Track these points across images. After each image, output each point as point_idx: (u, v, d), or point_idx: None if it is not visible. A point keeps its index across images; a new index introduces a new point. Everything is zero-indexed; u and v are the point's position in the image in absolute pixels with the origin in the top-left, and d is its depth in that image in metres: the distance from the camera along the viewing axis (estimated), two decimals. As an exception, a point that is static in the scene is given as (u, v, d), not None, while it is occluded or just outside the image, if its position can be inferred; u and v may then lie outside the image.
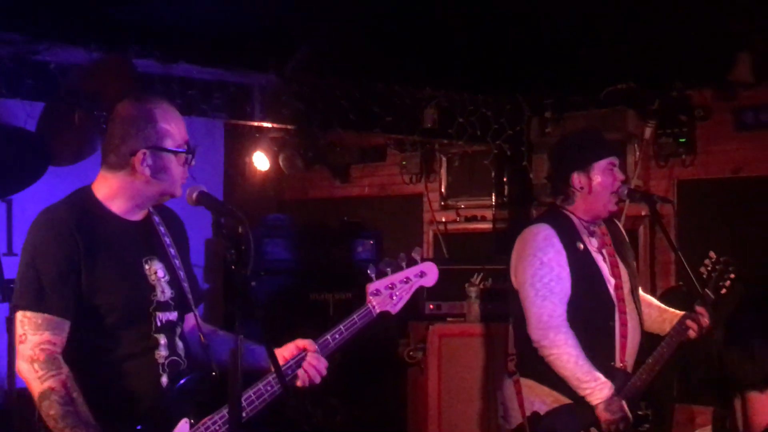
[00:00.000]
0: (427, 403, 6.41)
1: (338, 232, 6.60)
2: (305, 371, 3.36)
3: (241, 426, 2.94)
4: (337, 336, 3.43)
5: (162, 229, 3.38)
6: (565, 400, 4.33)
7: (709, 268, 4.53)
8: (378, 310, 3.49)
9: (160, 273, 3.30)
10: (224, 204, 3.25)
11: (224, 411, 3.16)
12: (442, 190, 8.49)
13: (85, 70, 5.22)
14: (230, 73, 6.36)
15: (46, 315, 3.08)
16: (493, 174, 7.92)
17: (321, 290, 6.22)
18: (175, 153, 3.27)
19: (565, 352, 4.23)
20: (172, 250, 3.37)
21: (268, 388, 3.28)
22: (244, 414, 3.12)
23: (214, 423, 3.18)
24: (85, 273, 3.12)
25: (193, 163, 3.36)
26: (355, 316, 3.45)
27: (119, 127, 3.24)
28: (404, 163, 8.62)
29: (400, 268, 3.55)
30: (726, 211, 6.80)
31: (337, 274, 6.44)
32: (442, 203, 8.49)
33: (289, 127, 7.11)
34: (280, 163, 8.40)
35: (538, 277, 4.28)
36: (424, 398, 6.43)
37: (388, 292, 3.51)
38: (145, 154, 3.20)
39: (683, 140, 6.94)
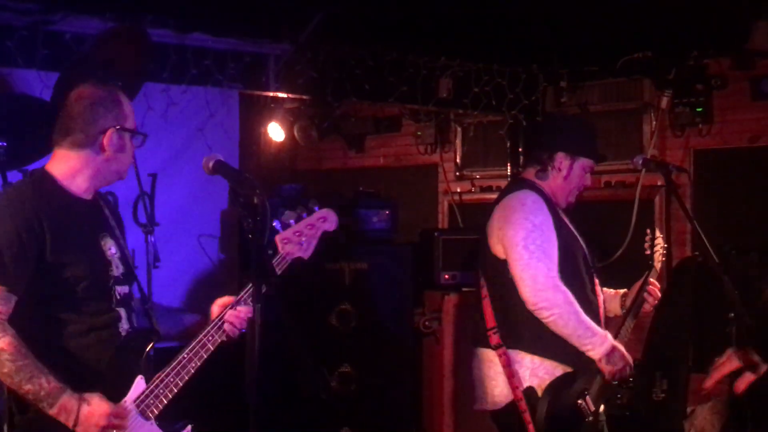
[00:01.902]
0: (442, 373, 6.43)
1: (353, 203, 6.58)
2: (229, 323, 3.51)
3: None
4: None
5: (105, 208, 3.60)
6: (556, 369, 4.31)
7: (648, 244, 4.78)
8: (291, 257, 3.66)
9: (113, 250, 3.53)
10: (241, 173, 3.30)
11: (172, 365, 3.43)
12: (457, 160, 8.49)
13: (99, 40, 5.20)
14: (245, 42, 6.34)
15: None
16: (508, 144, 7.90)
17: (336, 260, 6.22)
18: (136, 134, 3.52)
19: (565, 311, 4.21)
20: (117, 232, 3.60)
21: (209, 338, 3.50)
22: (198, 360, 3.46)
23: (167, 375, 3.42)
24: (50, 248, 3.29)
25: (142, 145, 3.59)
26: (272, 265, 3.62)
27: (87, 107, 3.44)
28: (419, 133, 8.61)
29: (302, 218, 3.71)
30: (743, 181, 6.78)
31: (352, 244, 6.43)
32: (457, 173, 8.49)
33: (303, 97, 7.09)
34: (295, 134, 8.38)
35: (531, 239, 4.27)
36: (440, 368, 6.45)
37: (298, 239, 3.67)
38: (113, 133, 3.43)
39: (700, 109, 6.90)
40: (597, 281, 4.57)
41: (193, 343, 3.48)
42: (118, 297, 3.49)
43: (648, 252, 4.79)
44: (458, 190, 8.46)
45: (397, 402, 6.48)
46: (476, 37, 6.78)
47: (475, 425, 6.09)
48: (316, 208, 3.76)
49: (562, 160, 4.46)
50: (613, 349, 4.29)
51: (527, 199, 4.38)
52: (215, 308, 3.57)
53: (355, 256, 6.32)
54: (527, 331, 4.30)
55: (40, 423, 3.24)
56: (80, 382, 3.31)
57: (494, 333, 4.41)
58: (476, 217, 8.12)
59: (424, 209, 8.58)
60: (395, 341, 6.47)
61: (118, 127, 3.43)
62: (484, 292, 4.51)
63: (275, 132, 8.21)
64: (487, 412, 4.53)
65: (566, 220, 4.53)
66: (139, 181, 5.40)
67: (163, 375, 3.42)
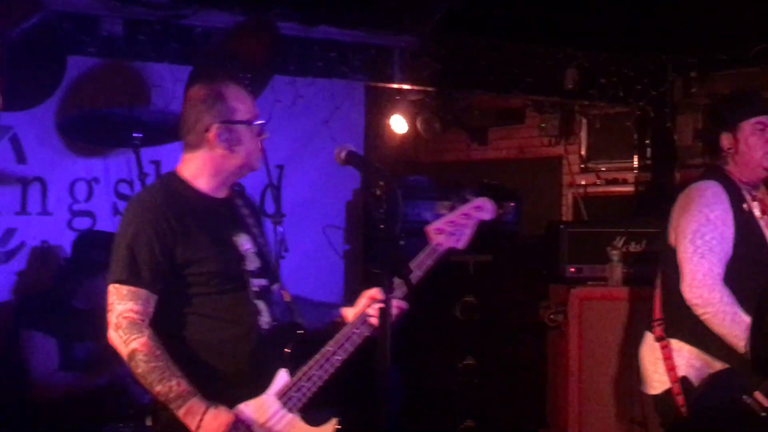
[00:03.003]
0: (567, 367, 6.34)
1: (477, 195, 6.53)
2: (375, 316, 3.44)
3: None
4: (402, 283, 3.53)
5: (242, 206, 3.60)
6: (715, 363, 4.22)
7: None
8: (445, 247, 3.62)
9: (247, 245, 3.51)
10: (373, 163, 3.29)
11: (316, 358, 3.40)
12: (582, 152, 8.36)
13: (229, 33, 5.29)
14: (370, 34, 6.37)
15: (131, 287, 3.29)
16: (635, 136, 7.75)
17: (461, 252, 6.18)
18: (246, 124, 3.45)
19: (720, 310, 4.09)
20: (255, 229, 3.58)
21: (355, 330, 3.47)
22: (343, 353, 3.42)
23: (310, 368, 3.39)
24: (182, 248, 3.34)
25: (266, 135, 3.55)
26: (422, 256, 3.59)
27: (192, 108, 3.46)
28: (543, 125, 8.52)
29: (455, 208, 3.67)
30: None
31: (477, 236, 6.38)
32: (582, 166, 8.37)
33: (428, 89, 7.08)
34: (418, 126, 8.38)
35: (701, 233, 4.15)
36: (565, 362, 6.36)
37: (450, 229, 3.63)
38: (218, 128, 3.40)
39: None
40: None
41: (339, 336, 3.45)
42: (256, 290, 3.48)
43: None
44: (583, 182, 8.34)
45: (521, 396, 6.43)
46: (602, 27, 6.67)
47: (601, 421, 6.01)
48: (470, 197, 3.72)
49: (725, 138, 4.31)
50: None
51: (707, 190, 4.25)
52: (363, 300, 3.54)
53: (479, 248, 6.28)
54: (688, 322, 4.23)
55: (179, 422, 3.26)
56: (222, 376, 3.35)
57: (659, 325, 4.39)
58: (601, 211, 8.04)
59: (547, 202, 8.49)
60: (519, 334, 6.42)
61: (222, 121, 3.42)
62: (657, 281, 4.47)
63: (398, 124, 8.22)
64: (646, 396, 4.53)
65: (756, 211, 4.36)
66: (268, 171, 5.45)
67: (306, 368, 3.39)
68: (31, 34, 4.64)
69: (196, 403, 3.22)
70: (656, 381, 4.38)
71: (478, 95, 7.79)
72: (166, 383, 3.21)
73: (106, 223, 5.71)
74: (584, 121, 8.30)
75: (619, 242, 6.39)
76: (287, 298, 3.60)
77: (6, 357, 4.94)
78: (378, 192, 3.12)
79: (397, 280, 3.29)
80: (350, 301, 3.65)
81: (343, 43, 6.29)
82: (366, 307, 3.50)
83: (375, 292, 3.50)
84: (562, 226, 6.72)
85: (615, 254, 6.32)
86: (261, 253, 3.55)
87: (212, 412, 3.21)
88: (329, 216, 6.61)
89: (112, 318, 3.29)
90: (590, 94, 7.26)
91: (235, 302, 3.42)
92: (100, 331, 4.93)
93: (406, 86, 6.86)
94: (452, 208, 3.67)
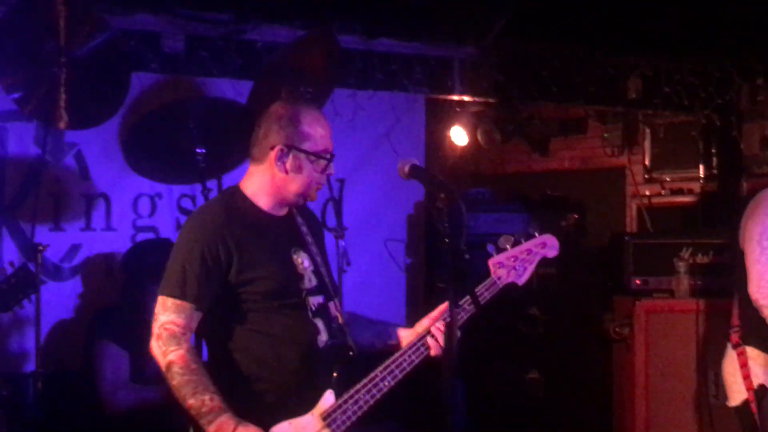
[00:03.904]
0: (633, 381, 6.24)
1: (540, 206, 6.49)
2: (434, 338, 3.47)
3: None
4: (466, 307, 3.49)
5: (302, 224, 3.59)
6: None
7: None
8: (504, 282, 3.62)
9: (306, 263, 3.51)
10: (437, 177, 3.27)
11: (364, 382, 3.36)
12: (646, 162, 8.27)
13: (290, 47, 5.29)
14: (430, 46, 6.34)
15: (176, 300, 3.31)
16: (700, 145, 7.63)
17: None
18: (309, 155, 3.43)
19: None
20: (313, 247, 3.57)
21: (406, 357, 3.44)
22: (391, 379, 3.38)
23: (357, 392, 3.35)
24: (239, 265, 3.34)
25: (332, 171, 3.52)
26: (482, 289, 3.58)
27: (266, 122, 3.46)
28: (606, 135, 8.43)
29: (519, 243, 3.68)
30: None
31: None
32: (646, 176, 8.28)
33: (489, 100, 7.03)
34: (478, 137, 8.34)
35: (767, 235, 4.13)
36: (631, 375, 6.27)
37: (512, 264, 3.64)
38: (282, 150, 3.40)
39: None
40: None
41: (389, 361, 3.43)
42: (313, 308, 3.47)
43: None
44: (647, 193, 8.23)
45: (586, 410, 6.34)
46: (666, 34, 6.57)
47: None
48: (536, 233, 3.72)
49: None
50: None
51: None
52: (425, 321, 3.53)
53: (542, 260, 6.22)
54: (763, 329, 4.17)
55: None
56: (272, 393, 3.35)
57: (735, 332, 4.40)
58: (666, 221, 7.93)
59: (611, 213, 8.39)
60: (584, 348, 6.34)
61: (287, 144, 3.40)
62: (734, 289, 4.49)
63: (458, 135, 8.19)
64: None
65: None
66: (330, 185, 5.45)
67: (353, 391, 3.36)
68: (97, 53, 4.68)
69: (225, 420, 3.19)
70: (736, 392, 4.36)
71: (540, 106, 7.71)
72: (199, 397, 3.21)
73: (169, 239, 5.74)
74: (648, 130, 8.20)
75: (686, 253, 6.29)
76: (341, 319, 3.57)
77: (79, 370, 5.00)
78: (441, 205, 3.10)
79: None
80: (412, 316, 3.63)
81: (403, 56, 6.27)
82: (423, 333, 3.49)
83: (437, 313, 3.50)
84: (626, 238, 6.64)
85: (682, 266, 6.22)
86: (318, 271, 3.54)
87: (241, 430, 3.20)
88: (390, 229, 6.59)
89: (155, 328, 3.32)
90: (654, 103, 7.16)
91: (294, 321, 3.42)
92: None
93: (466, 98, 6.81)
94: (516, 243, 3.67)
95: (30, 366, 5.15)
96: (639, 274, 6.43)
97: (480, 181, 9.06)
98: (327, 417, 3.33)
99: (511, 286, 3.63)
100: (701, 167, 7.69)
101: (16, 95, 4.60)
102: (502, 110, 8.00)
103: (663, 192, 8.13)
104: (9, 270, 4.66)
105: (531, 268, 3.67)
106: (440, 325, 3.47)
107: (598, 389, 6.46)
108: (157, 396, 4.81)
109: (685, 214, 7.87)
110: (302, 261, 3.50)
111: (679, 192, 7.93)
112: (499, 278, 3.60)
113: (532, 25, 6.28)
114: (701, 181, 7.73)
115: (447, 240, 3.07)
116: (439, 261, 6.14)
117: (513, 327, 6.17)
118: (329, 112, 5.85)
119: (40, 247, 4.74)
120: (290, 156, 3.40)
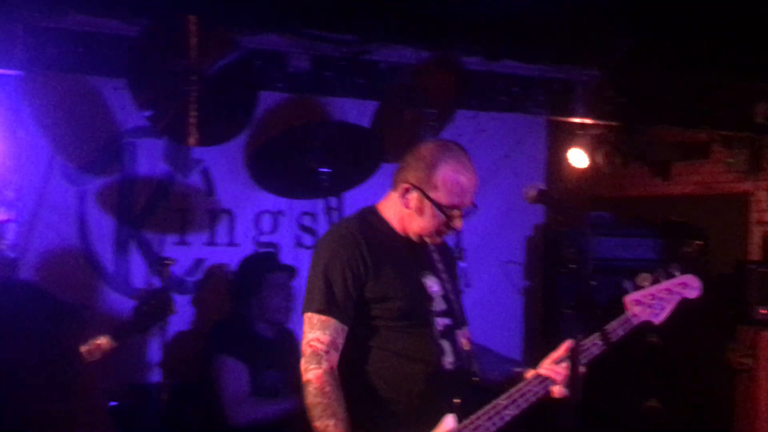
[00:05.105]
0: (756, 413, 6.09)
1: (662, 232, 6.38)
2: (548, 377, 3.45)
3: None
4: (598, 342, 3.52)
5: (434, 251, 3.59)
6: None
7: None
8: (640, 320, 3.59)
9: (436, 288, 3.53)
10: (565, 202, 3.26)
11: (486, 409, 3.33)
12: (773, 188, 8.05)
13: (415, 69, 5.33)
14: (553, 69, 6.31)
15: (321, 317, 3.34)
16: (830, 172, 7.42)
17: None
18: (437, 206, 3.42)
19: None
20: (444, 275, 3.58)
21: (531, 388, 3.41)
22: (514, 408, 3.34)
23: (479, 418, 3.33)
24: (373, 282, 3.37)
25: (458, 226, 3.49)
26: (615, 325, 3.56)
27: (411, 156, 3.48)
28: (731, 160, 8.22)
29: (658, 281, 3.62)
30: None
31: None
32: (772, 203, 8.05)
33: (611, 123, 6.95)
34: (598, 160, 8.23)
35: None
36: (754, 407, 6.11)
37: (649, 302, 3.59)
38: (407, 189, 3.44)
39: None
40: None
41: (513, 391, 3.41)
42: (440, 329, 3.48)
43: None
44: (773, 220, 8.02)
45: (706, 441, 6.20)
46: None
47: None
48: (676, 272, 3.67)
49: None
50: None
51: None
52: (546, 361, 3.50)
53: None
54: None
55: None
56: (395, 411, 3.37)
57: None
58: (793, 249, 7.70)
59: (734, 240, 8.18)
60: (705, 377, 6.20)
61: (416, 187, 3.41)
62: None
63: (577, 158, 8.10)
64: None
65: None
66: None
67: (475, 417, 3.34)
68: (227, 72, 4.79)
69: None
70: None
71: (663, 129, 7.59)
72: (324, 420, 3.23)
73: (289, 255, 5.83)
74: (774, 156, 8.00)
75: (814, 283, 6.12)
76: (467, 346, 3.55)
77: (199, 383, 5.09)
78: (566, 230, 3.08)
79: (590, 339, 3.32)
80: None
81: (526, 78, 6.25)
82: (549, 369, 3.46)
83: (562, 351, 3.47)
84: (751, 266, 6.49)
85: (810, 296, 6.05)
86: (448, 297, 3.55)
87: None
88: (509, 251, 6.56)
89: (303, 345, 3.36)
90: (781, 128, 6.99)
91: (421, 340, 3.43)
92: (286, 360, 5.08)
93: (588, 120, 6.75)
94: (655, 281, 3.63)
95: (153, 377, 5.28)
96: (764, 303, 6.27)
97: (599, 204, 8.93)
98: None
99: (646, 325, 3.59)
100: (831, 195, 7.46)
101: (148, 112, 4.73)
102: (623, 133, 7.89)
103: (790, 219, 7.92)
104: (146, 289, 4.76)
105: (669, 308, 3.62)
106: (557, 365, 3.45)
107: (720, 420, 6.30)
108: (278, 410, 4.89)
109: (813, 242, 7.65)
110: (432, 285, 3.52)
111: (807, 220, 7.72)
112: (635, 315, 3.58)
113: (656, 48, 6.19)
114: (830, 210, 7.51)
115: (572, 266, 3.05)
116: (560, 285, 6.08)
117: (633, 355, 6.06)
118: (450, 133, 5.87)
119: (168, 261, 4.86)
120: (415, 196, 3.43)
